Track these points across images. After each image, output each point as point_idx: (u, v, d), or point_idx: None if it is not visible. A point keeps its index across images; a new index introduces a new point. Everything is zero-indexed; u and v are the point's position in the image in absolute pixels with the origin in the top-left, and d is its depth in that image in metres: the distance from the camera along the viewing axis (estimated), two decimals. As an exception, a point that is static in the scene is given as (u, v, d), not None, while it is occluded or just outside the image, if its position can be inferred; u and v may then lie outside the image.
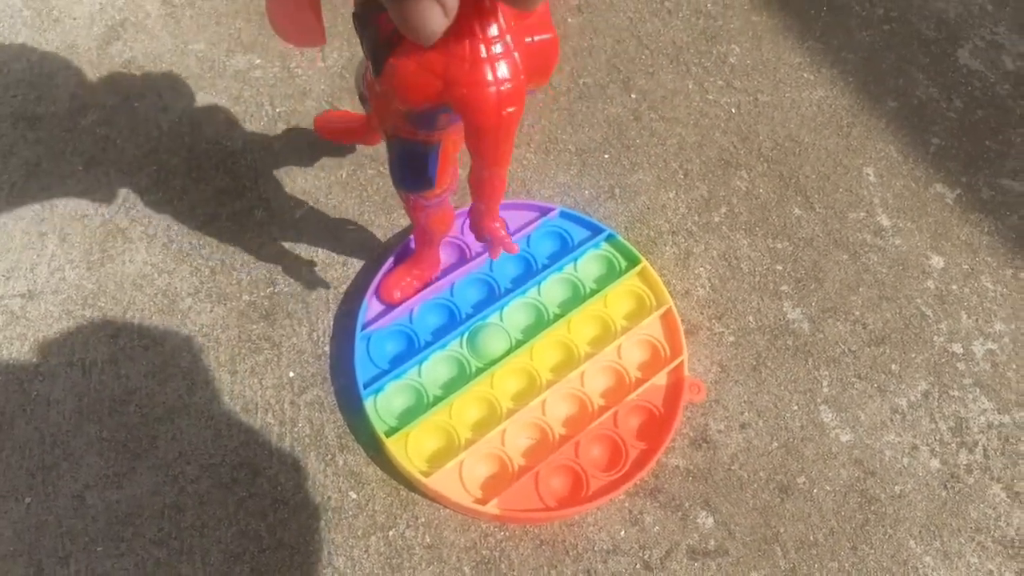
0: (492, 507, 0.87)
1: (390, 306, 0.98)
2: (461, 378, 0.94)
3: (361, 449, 0.92)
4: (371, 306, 0.98)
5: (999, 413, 1.01)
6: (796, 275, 1.09)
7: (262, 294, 1.01)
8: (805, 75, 1.27)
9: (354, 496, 0.90)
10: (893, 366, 1.03)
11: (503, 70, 0.59)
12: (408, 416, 0.92)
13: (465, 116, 0.61)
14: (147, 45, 1.20)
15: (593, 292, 1.01)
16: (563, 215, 1.07)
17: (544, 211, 1.06)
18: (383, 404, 0.92)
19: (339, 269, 1.04)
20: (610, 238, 1.05)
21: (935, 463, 0.97)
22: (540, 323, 0.99)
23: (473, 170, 0.67)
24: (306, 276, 1.03)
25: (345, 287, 1.02)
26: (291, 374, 0.96)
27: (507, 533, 0.89)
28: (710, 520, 0.91)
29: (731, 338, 1.03)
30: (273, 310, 1.00)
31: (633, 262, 1.04)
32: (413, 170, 0.78)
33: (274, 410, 0.94)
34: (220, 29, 1.22)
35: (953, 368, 1.04)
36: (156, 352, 0.97)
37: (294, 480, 0.90)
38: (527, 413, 0.93)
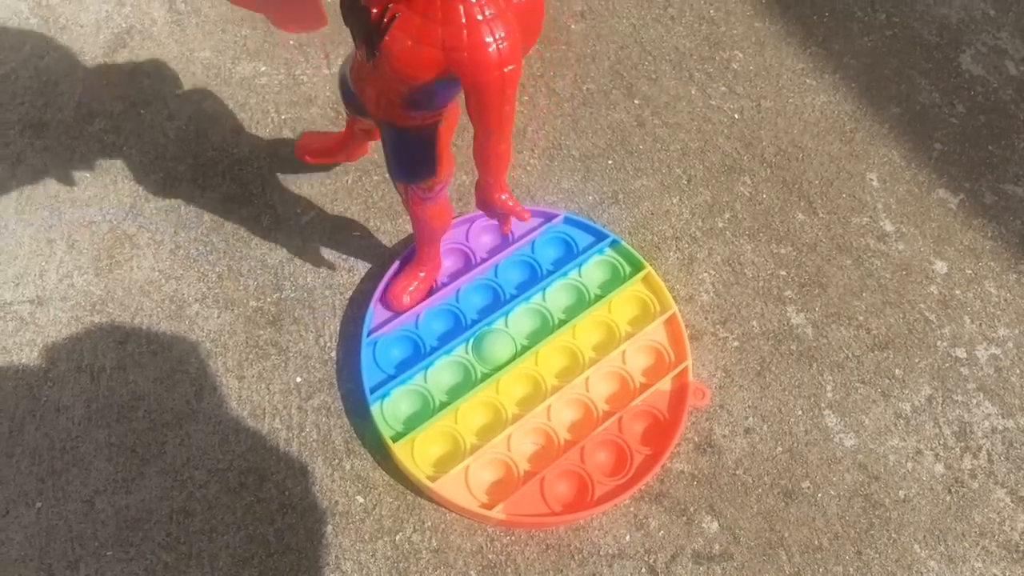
0: (498, 512, 0.87)
1: (398, 313, 0.98)
2: (467, 383, 0.95)
3: (368, 454, 0.93)
4: (377, 312, 0.99)
5: (1003, 418, 1.01)
6: (800, 280, 1.09)
7: (269, 300, 1.02)
8: (808, 81, 1.28)
9: (361, 501, 0.90)
10: (897, 371, 1.04)
11: (500, 30, 0.61)
12: (414, 421, 0.92)
13: (467, 80, 0.62)
14: (153, 52, 1.20)
15: (598, 298, 1.02)
16: (568, 221, 1.07)
17: (548, 217, 1.07)
18: (389, 409, 0.93)
19: (345, 275, 1.04)
20: (614, 244, 1.06)
21: (939, 468, 0.97)
22: (545, 329, 0.99)
23: (477, 141, 0.68)
24: (312, 282, 1.03)
25: (351, 293, 1.03)
26: (298, 379, 0.97)
27: (513, 537, 0.89)
28: (715, 525, 0.92)
29: (735, 343, 1.04)
30: (280, 316, 1.01)
31: (637, 267, 1.04)
32: (413, 158, 0.78)
33: (281, 415, 0.94)
34: (226, 36, 1.23)
35: (957, 373, 1.04)
36: (164, 358, 0.97)
37: (302, 485, 0.91)
38: (532, 418, 0.94)
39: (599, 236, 1.06)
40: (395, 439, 0.90)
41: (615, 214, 1.12)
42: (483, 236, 1.06)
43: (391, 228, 1.08)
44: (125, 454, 0.91)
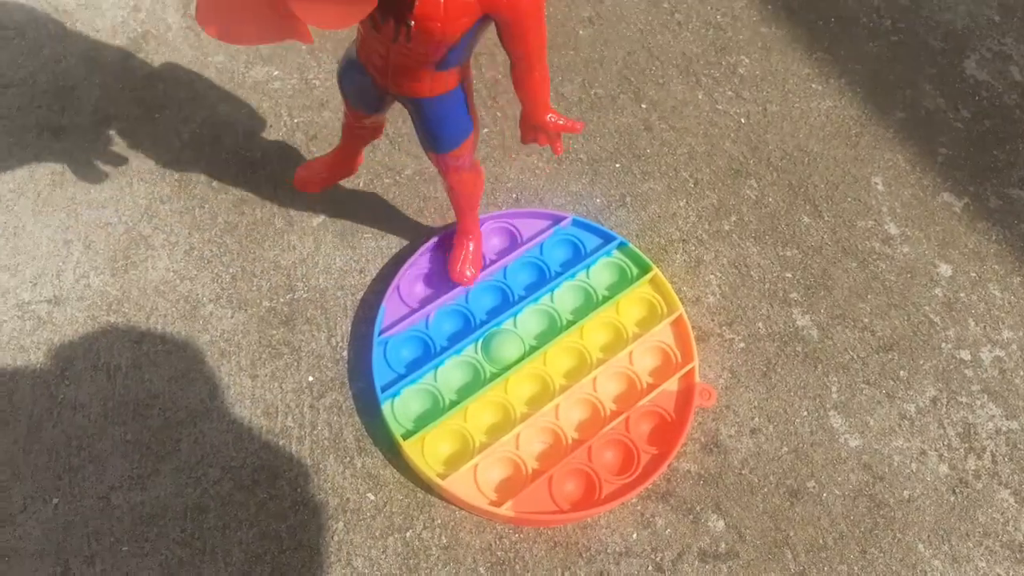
0: (507, 509, 0.89)
1: (459, 286, 1.01)
2: (476, 383, 0.96)
3: (379, 452, 0.94)
4: (388, 312, 1.00)
5: (1007, 419, 1.02)
6: (805, 282, 1.10)
7: (281, 300, 1.03)
8: (813, 86, 1.29)
9: (372, 498, 0.92)
10: (902, 372, 1.05)
11: None
12: (424, 420, 0.93)
13: (504, 14, 0.69)
14: (168, 57, 1.22)
15: (605, 299, 1.03)
16: (576, 223, 1.09)
17: (557, 219, 1.08)
18: (400, 408, 0.94)
19: (356, 276, 1.06)
20: (622, 246, 1.07)
21: (943, 468, 0.98)
22: (553, 329, 1.01)
23: (518, 72, 0.76)
24: (324, 283, 1.05)
25: (362, 293, 1.04)
26: (310, 378, 0.98)
27: (521, 535, 0.91)
28: (721, 523, 0.93)
29: (741, 344, 1.05)
30: (292, 316, 1.02)
31: (644, 269, 1.05)
32: (452, 120, 0.83)
33: (294, 414, 0.96)
34: (239, 41, 1.25)
35: (961, 375, 1.05)
36: (179, 357, 0.99)
37: (313, 482, 0.92)
38: (541, 418, 0.95)
39: (607, 238, 1.08)
40: (405, 437, 0.91)
41: (623, 217, 1.13)
42: (492, 239, 1.07)
43: (402, 230, 1.10)
44: (140, 451, 0.93)
